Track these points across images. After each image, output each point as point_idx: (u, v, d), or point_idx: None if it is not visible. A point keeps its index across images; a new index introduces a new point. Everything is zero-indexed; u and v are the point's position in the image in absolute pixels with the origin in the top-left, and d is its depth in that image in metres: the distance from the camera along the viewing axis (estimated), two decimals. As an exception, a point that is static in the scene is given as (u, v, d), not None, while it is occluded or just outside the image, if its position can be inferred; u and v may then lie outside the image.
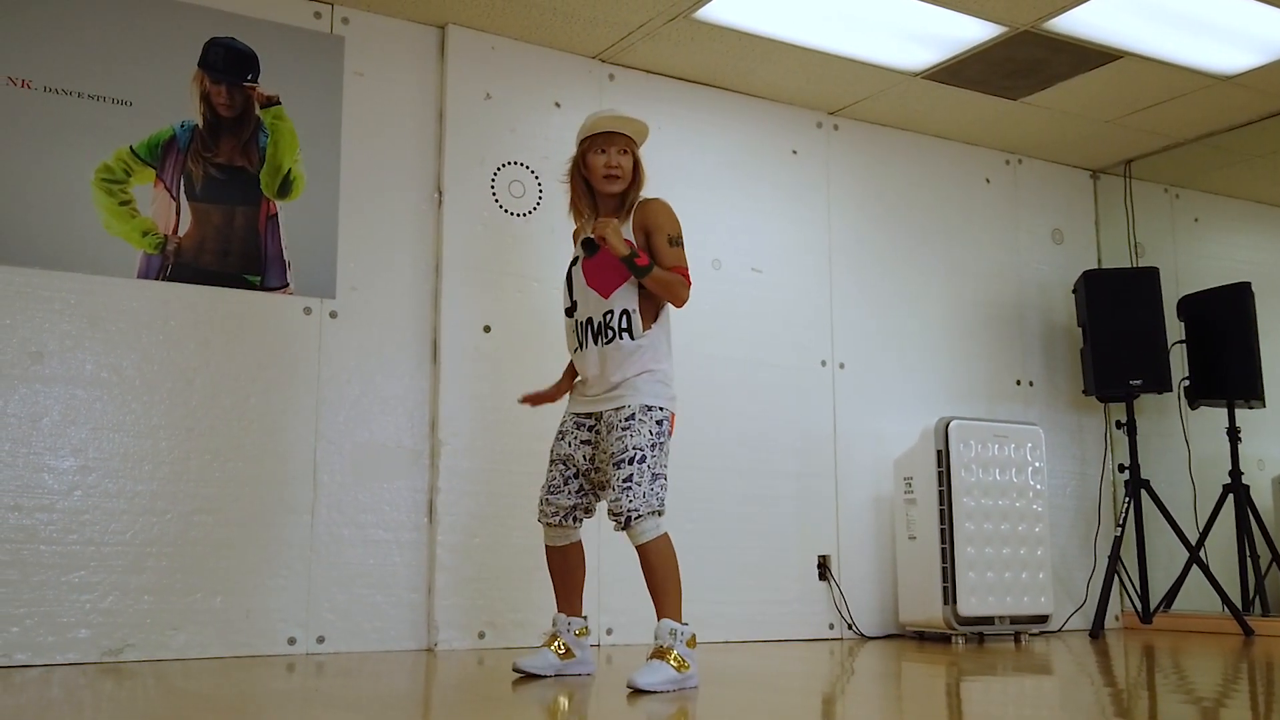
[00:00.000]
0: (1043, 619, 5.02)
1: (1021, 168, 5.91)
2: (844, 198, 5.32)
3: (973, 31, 4.56)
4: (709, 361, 4.81)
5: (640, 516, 3.13)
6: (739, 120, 5.10)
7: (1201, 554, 5.41)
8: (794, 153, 5.22)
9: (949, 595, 4.77)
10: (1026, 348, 5.77)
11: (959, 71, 4.91)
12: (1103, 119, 5.46)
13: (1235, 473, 5.43)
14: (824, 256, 5.23)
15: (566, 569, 3.42)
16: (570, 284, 3.43)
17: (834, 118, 5.35)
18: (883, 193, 5.45)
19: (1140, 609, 5.51)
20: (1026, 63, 4.82)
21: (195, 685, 3.14)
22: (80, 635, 3.65)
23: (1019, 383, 5.71)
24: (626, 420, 3.21)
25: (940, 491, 4.85)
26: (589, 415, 3.35)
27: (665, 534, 3.17)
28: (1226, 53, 4.81)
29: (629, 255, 3.22)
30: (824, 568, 4.99)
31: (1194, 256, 6.13)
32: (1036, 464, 5.07)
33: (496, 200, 4.50)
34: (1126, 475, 5.49)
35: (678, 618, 3.14)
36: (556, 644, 3.36)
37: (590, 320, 3.33)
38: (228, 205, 4.07)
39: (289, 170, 4.18)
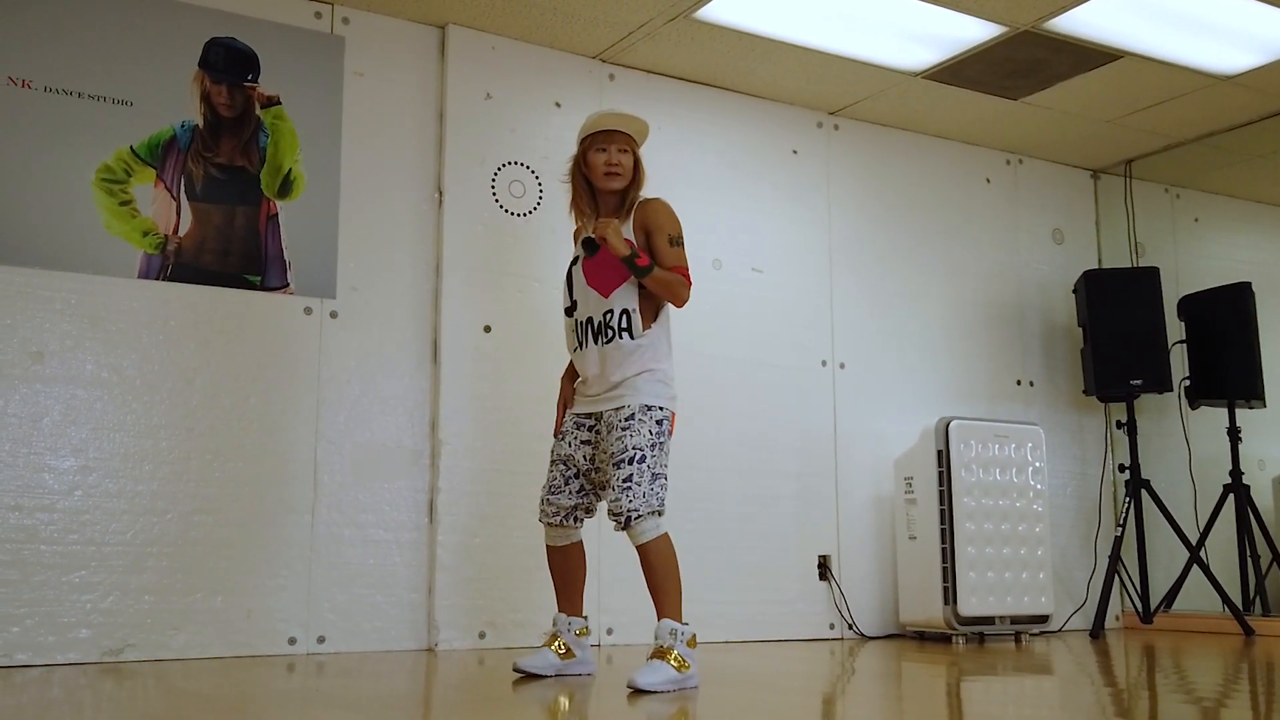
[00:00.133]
0: (1043, 619, 5.02)
1: (1022, 168, 5.91)
2: (844, 198, 5.32)
3: (973, 31, 4.56)
4: (709, 361, 4.81)
5: (640, 516, 3.13)
6: (739, 120, 5.10)
7: (1202, 554, 5.41)
8: (794, 153, 5.22)
9: (949, 595, 4.77)
10: (1027, 348, 5.77)
11: (959, 71, 4.91)
12: (1103, 119, 5.46)
13: (1235, 473, 5.43)
14: (824, 256, 5.23)
15: (567, 569, 3.42)
16: (570, 283, 3.43)
17: (834, 118, 5.35)
18: (883, 193, 5.45)
19: (1140, 609, 5.51)
20: (1027, 63, 4.82)
21: (196, 685, 3.14)
22: (81, 635, 3.65)
23: (1019, 383, 5.71)
24: (626, 420, 3.21)
25: (940, 491, 4.85)
26: (589, 415, 3.35)
27: (665, 534, 3.17)
28: (1226, 53, 4.81)
29: (629, 255, 3.22)
30: (824, 568, 4.99)
31: (1194, 256, 6.13)
32: (1037, 464, 5.07)
33: (497, 200, 4.50)
34: (1127, 475, 5.48)
35: (678, 618, 3.14)
36: (557, 644, 3.36)
37: (590, 320, 3.33)
38: (228, 205, 4.07)
39: (289, 170, 4.18)
